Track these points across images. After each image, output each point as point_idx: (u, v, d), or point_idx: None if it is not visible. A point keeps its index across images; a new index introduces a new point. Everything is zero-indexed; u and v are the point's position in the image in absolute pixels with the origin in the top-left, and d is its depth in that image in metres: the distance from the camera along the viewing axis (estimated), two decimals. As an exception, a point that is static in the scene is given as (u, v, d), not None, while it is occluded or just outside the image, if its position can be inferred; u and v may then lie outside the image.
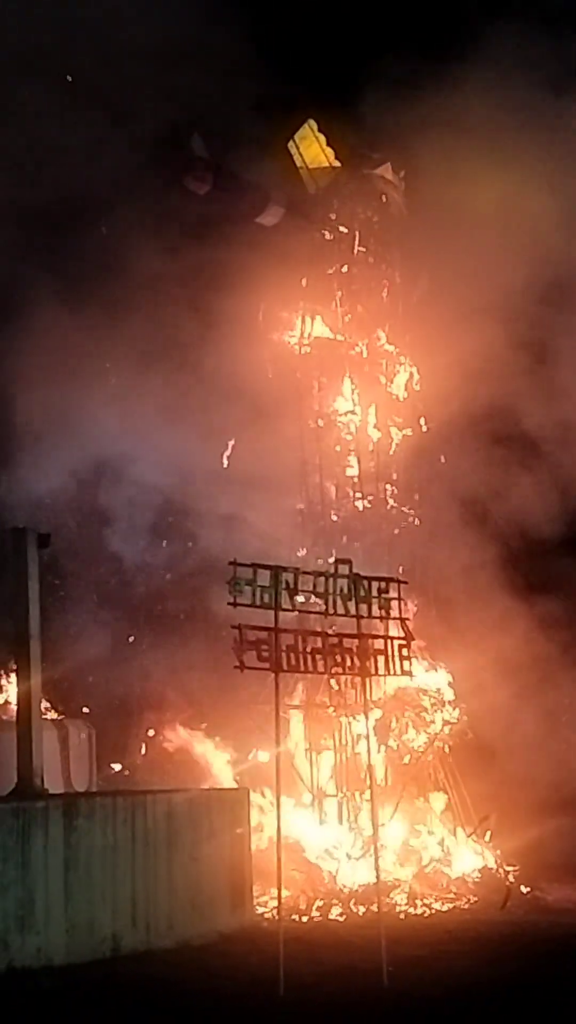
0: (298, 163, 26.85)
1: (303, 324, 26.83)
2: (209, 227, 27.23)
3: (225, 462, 26.54)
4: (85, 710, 26.64)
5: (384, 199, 27.19)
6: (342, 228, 26.99)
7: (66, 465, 26.10)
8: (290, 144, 26.79)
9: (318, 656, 17.62)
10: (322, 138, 26.58)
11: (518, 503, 27.09)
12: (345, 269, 26.89)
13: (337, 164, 26.77)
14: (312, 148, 26.70)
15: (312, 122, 26.58)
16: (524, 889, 23.48)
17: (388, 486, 26.73)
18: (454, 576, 26.74)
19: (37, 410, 25.69)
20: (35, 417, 25.88)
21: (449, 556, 26.73)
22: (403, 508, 26.72)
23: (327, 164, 26.74)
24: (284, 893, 17.85)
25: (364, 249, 26.99)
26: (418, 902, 22.63)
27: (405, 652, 18.34)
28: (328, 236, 27.05)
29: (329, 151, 26.61)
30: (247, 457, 26.83)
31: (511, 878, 23.85)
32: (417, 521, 26.70)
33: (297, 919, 21.17)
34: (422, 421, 26.95)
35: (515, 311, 26.22)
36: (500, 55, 25.80)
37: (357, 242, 26.94)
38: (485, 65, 25.80)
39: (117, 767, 26.82)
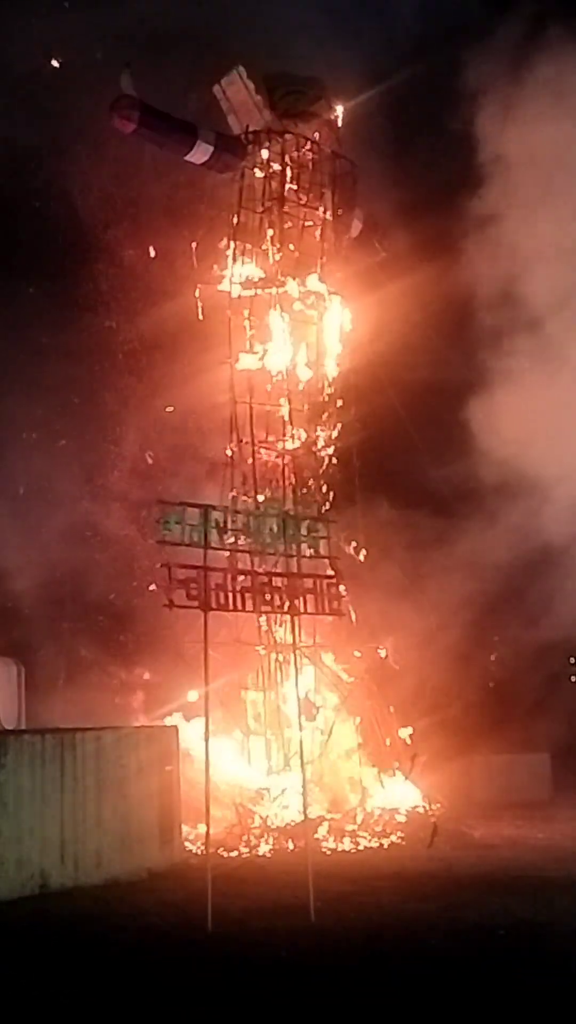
0: (224, 108, 26.41)
1: (233, 263, 26.51)
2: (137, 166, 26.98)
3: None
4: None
5: (318, 136, 26.89)
6: (274, 166, 26.62)
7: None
8: (216, 88, 26.34)
9: (247, 595, 17.59)
10: (251, 84, 26.10)
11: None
12: (275, 208, 26.53)
13: (266, 110, 26.35)
14: (240, 94, 26.24)
15: (241, 68, 26.09)
16: (450, 826, 23.71)
17: (319, 429, 26.66)
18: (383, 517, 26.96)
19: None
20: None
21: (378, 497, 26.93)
22: (332, 448, 26.73)
23: (255, 109, 26.31)
24: (213, 830, 17.93)
25: (296, 187, 26.68)
26: (346, 839, 22.83)
27: (335, 591, 18.36)
28: (259, 174, 26.69)
29: (258, 99, 26.16)
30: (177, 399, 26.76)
31: (437, 815, 24.07)
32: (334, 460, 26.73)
33: (226, 855, 21.31)
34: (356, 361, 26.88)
35: (447, 252, 26.27)
36: None
37: (288, 180, 26.61)
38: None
39: None
